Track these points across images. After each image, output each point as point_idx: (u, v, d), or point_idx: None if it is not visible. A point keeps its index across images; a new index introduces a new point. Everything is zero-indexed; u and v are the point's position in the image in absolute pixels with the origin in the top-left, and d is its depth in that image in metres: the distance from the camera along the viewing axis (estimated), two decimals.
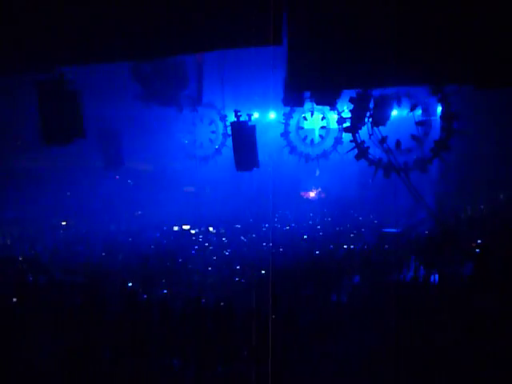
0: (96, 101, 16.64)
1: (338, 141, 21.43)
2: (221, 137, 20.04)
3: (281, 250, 10.29)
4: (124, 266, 8.83)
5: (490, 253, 8.93)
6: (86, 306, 6.11)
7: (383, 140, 15.50)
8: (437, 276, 7.37)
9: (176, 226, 15.23)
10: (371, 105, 15.38)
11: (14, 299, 6.49)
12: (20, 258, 9.54)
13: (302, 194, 30.77)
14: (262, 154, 28.83)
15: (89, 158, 19.14)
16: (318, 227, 14.85)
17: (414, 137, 15.25)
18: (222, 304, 6.32)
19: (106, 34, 6.59)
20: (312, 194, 30.40)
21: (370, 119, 15.51)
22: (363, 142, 15.69)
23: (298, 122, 21.61)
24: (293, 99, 8.09)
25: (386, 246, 10.22)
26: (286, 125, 20.87)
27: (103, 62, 8.90)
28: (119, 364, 4.67)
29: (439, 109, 15.26)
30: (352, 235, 12.80)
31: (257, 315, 5.77)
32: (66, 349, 4.94)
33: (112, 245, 11.40)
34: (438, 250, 9.38)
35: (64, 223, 15.91)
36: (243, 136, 15.58)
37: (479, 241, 9.74)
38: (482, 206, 16.12)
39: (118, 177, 22.27)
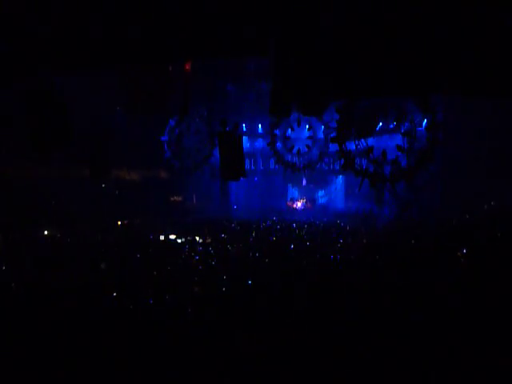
0: (83, 109, 16.62)
1: (325, 151, 21.61)
2: (207, 146, 20.06)
3: (266, 260, 10.24)
4: (109, 275, 8.75)
5: (475, 262, 8.99)
6: (68, 314, 6.04)
7: (369, 150, 15.64)
8: (423, 285, 7.40)
9: (162, 235, 15.15)
10: (357, 115, 15.52)
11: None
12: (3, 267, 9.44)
13: (289, 203, 30.78)
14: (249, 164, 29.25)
15: (75, 166, 19.07)
16: (305, 237, 14.84)
17: (399, 147, 15.37)
18: (208, 315, 6.29)
19: (93, 41, 6.58)
20: (298, 204, 30.43)
21: (357, 130, 15.66)
22: (350, 152, 15.81)
23: (285, 132, 21.70)
24: (279, 109, 8.09)
25: (377, 256, 10.22)
26: (273, 135, 20.99)
27: (91, 70, 8.89)
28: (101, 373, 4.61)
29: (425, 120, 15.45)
30: (339, 245, 12.79)
31: (243, 326, 5.75)
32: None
33: (97, 254, 11.30)
34: (425, 259, 9.42)
35: (46, 232, 15.73)
36: (230, 146, 15.61)
37: (464, 250, 9.79)
38: (468, 216, 16.25)
39: (104, 185, 22.19)
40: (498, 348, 4.83)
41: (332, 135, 16.82)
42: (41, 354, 4.93)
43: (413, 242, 12.16)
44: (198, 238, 14.40)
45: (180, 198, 27.24)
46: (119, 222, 19.86)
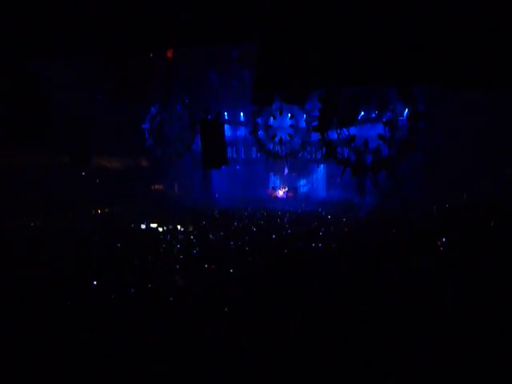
0: (63, 96, 16.41)
1: (307, 140, 21.64)
2: (189, 134, 19.95)
3: (247, 248, 10.26)
4: (89, 264, 8.69)
5: (455, 251, 9.10)
6: (49, 305, 6.00)
7: (351, 139, 15.69)
8: (403, 273, 7.47)
9: (143, 223, 15.08)
10: (339, 104, 15.54)
11: None
12: None
13: (270, 192, 30.83)
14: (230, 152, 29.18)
15: (55, 154, 18.85)
16: (286, 226, 14.89)
17: (381, 137, 15.43)
18: (189, 303, 6.29)
19: (74, 26, 6.47)
20: (280, 193, 30.49)
21: (339, 119, 15.69)
22: (331, 141, 15.86)
23: (267, 121, 21.66)
24: (261, 97, 8.06)
25: (358, 245, 10.30)
26: (255, 123, 20.95)
27: (72, 57, 8.76)
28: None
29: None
30: (320, 234, 12.86)
31: (225, 314, 5.76)
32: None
33: (78, 243, 11.21)
34: (405, 247, 9.51)
35: (28, 221, 15.56)
36: (211, 134, 15.56)
37: (444, 239, 9.91)
38: (447, 205, 16.42)
39: (84, 173, 21.96)
40: (477, 332, 4.91)
41: (314, 124, 16.84)
42: (24, 342, 4.90)
43: (393, 230, 12.26)
44: (179, 227, 14.36)
45: (161, 187, 27.10)
46: (99, 211, 19.73)
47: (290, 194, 30.29)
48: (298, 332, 5.14)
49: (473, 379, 4.26)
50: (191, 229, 14.15)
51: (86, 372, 4.46)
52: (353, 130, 16.33)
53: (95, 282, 7.21)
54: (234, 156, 30.30)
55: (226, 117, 27.49)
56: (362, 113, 19.64)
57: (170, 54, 16.32)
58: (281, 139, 21.90)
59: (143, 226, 14.85)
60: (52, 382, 4.38)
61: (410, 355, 4.62)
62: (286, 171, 30.63)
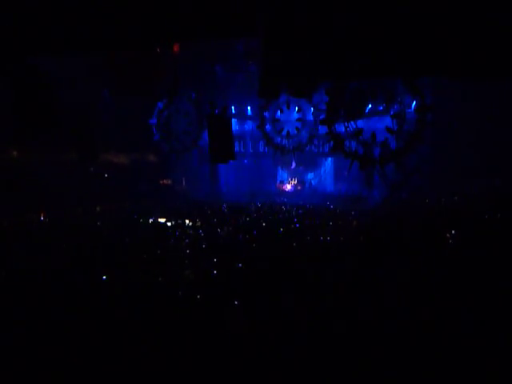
0: (70, 92, 16.44)
1: (314, 133, 21.60)
2: (196, 129, 19.99)
3: (254, 245, 10.24)
4: (98, 259, 8.72)
5: (463, 243, 9.06)
6: (57, 299, 6.03)
7: (359, 132, 15.64)
8: (412, 266, 7.44)
9: (151, 218, 15.11)
10: (347, 97, 15.50)
11: None
12: None
13: (278, 186, 30.81)
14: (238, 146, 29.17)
15: (63, 150, 18.91)
16: (295, 219, 14.86)
17: (388, 129, 15.37)
18: (198, 297, 6.30)
19: (81, 21, 6.47)
20: (288, 187, 30.47)
21: (346, 112, 15.65)
22: (339, 134, 15.82)
23: (274, 114, 21.63)
24: (268, 91, 8.03)
25: (367, 238, 10.26)
26: (262, 117, 20.93)
27: (78, 52, 8.76)
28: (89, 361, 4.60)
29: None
30: (328, 227, 12.82)
31: (233, 308, 5.77)
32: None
33: (86, 238, 11.26)
34: (414, 240, 9.47)
35: (36, 216, 15.62)
36: (219, 128, 15.57)
37: (453, 231, 9.86)
38: (456, 197, 16.33)
39: (92, 169, 22.03)
40: (484, 325, 4.88)
41: (321, 117, 16.80)
42: (29, 337, 4.92)
43: (402, 223, 12.20)
44: (187, 221, 14.37)
45: (169, 181, 27.13)
46: (107, 206, 19.78)
47: (298, 188, 30.26)
48: (306, 326, 5.13)
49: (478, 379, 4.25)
50: (199, 223, 14.15)
51: (94, 368, 4.48)
52: (360, 123, 16.29)
53: (104, 277, 7.24)
54: (242, 150, 30.26)
55: (233, 111, 27.46)
56: (370, 105, 19.59)
57: (176, 48, 16.32)
58: (288, 133, 21.87)
59: (151, 221, 14.89)
60: (58, 378, 4.41)
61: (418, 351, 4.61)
62: (294, 165, 30.58)
